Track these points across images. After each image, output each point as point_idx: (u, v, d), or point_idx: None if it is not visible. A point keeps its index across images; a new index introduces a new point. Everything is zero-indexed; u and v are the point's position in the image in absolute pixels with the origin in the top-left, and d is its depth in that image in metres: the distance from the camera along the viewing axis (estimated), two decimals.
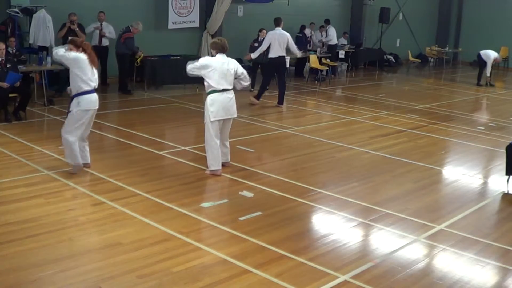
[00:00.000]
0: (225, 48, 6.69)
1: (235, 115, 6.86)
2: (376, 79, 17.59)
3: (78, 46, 6.25)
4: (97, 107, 6.49)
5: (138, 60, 12.14)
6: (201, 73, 6.60)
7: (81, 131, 6.39)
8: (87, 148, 6.64)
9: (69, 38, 6.74)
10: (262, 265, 4.49)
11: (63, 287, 4.04)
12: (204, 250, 4.70)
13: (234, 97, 6.74)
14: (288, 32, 17.38)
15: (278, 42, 11.31)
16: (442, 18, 23.46)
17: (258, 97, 11.58)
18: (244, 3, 15.79)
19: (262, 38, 12.43)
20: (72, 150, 6.33)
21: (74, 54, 6.21)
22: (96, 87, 6.41)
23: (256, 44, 12.69)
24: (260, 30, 13.42)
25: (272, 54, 11.36)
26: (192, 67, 6.67)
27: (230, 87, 6.71)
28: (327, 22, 17.10)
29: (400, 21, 21.56)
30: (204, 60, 6.66)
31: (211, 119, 6.55)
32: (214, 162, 6.66)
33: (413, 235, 5.26)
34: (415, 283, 4.37)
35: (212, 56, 6.79)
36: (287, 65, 14.92)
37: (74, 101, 6.28)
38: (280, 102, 11.54)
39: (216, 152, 6.64)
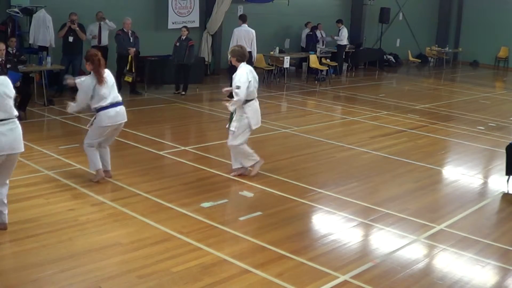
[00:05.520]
0: (247, 55, 6.67)
1: None
2: (376, 79, 17.59)
3: (87, 60, 6.04)
4: (119, 122, 6.12)
5: (129, 57, 11.63)
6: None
7: (101, 141, 6.26)
8: (108, 153, 6.42)
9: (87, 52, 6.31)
10: (262, 265, 4.49)
11: (63, 287, 4.04)
12: (204, 250, 4.70)
13: None
14: (287, 32, 17.63)
15: (244, 38, 11.64)
16: (442, 18, 23.44)
17: None
18: (244, 3, 15.79)
19: (184, 37, 12.13)
20: (91, 157, 6.20)
21: (84, 83, 5.97)
22: (113, 101, 6.03)
23: (178, 44, 12.25)
24: (181, 28, 12.53)
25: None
26: (243, 91, 6.39)
27: (256, 94, 6.76)
28: (340, 22, 17.03)
29: (400, 21, 21.55)
30: (244, 78, 6.39)
31: (253, 127, 6.62)
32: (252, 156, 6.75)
33: (413, 235, 5.26)
34: (415, 283, 4.37)
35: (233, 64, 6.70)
36: (287, 65, 14.99)
37: (96, 116, 6.08)
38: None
39: (247, 148, 6.68)
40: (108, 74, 6.09)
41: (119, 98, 6.17)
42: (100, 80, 5.93)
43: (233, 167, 6.78)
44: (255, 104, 6.64)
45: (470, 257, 4.87)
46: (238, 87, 6.40)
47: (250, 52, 11.50)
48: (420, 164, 7.68)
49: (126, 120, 6.25)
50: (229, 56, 6.69)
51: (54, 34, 11.20)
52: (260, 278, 4.30)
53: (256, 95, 6.67)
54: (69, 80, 6.41)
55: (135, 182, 6.30)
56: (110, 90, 6.05)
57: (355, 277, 4.39)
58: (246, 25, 11.89)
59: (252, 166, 6.75)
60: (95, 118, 6.10)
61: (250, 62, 11.66)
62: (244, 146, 6.65)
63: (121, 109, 6.16)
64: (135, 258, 4.51)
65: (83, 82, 5.99)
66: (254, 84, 6.57)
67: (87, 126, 6.32)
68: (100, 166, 6.23)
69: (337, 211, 5.81)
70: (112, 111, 6.04)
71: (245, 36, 11.74)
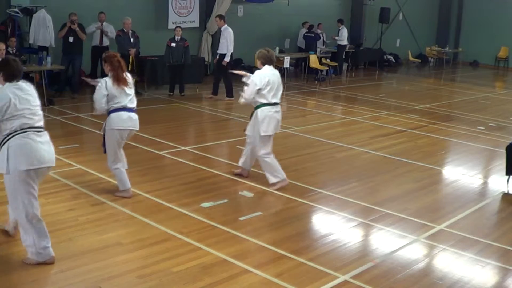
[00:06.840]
0: (274, 60, 6.38)
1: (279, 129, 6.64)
2: (376, 79, 17.59)
3: (105, 61, 5.62)
4: (130, 127, 5.74)
5: (130, 58, 11.48)
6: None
7: (119, 152, 5.78)
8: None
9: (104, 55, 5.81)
10: (262, 265, 4.49)
11: (63, 287, 4.04)
12: (204, 250, 4.70)
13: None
14: (287, 32, 17.64)
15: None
16: (442, 18, 23.44)
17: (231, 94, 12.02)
18: (244, 3, 15.79)
19: (178, 37, 12.15)
20: (119, 176, 5.82)
21: (101, 83, 5.56)
22: (128, 105, 5.67)
23: (173, 44, 12.21)
24: (175, 28, 12.50)
25: (231, 49, 11.92)
26: (251, 93, 6.17)
27: (279, 101, 6.41)
28: (341, 22, 17.03)
29: (400, 21, 21.54)
30: (258, 79, 6.15)
31: (262, 134, 6.24)
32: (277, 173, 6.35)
33: (413, 235, 5.26)
34: (415, 283, 4.37)
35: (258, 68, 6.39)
36: (287, 65, 14.99)
37: (106, 120, 5.69)
38: (231, 94, 11.96)
39: (273, 162, 6.34)
40: (129, 78, 5.70)
41: (133, 104, 5.75)
42: (118, 80, 5.51)
43: (270, 182, 6.34)
44: (270, 110, 6.22)
45: (470, 257, 4.87)
46: (246, 84, 6.26)
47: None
48: (420, 164, 7.68)
49: (137, 129, 5.92)
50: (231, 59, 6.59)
51: (54, 34, 11.19)
52: (260, 278, 4.30)
53: (274, 100, 6.25)
54: (90, 82, 6.01)
55: (135, 182, 6.29)
56: (127, 93, 5.65)
57: (355, 277, 4.40)
58: None
59: (275, 183, 6.34)
60: (106, 122, 5.69)
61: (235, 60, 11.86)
62: (268, 158, 6.30)
63: (134, 115, 5.76)
64: (135, 258, 4.51)
65: (101, 82, 5.60)
66: (273, 87, 6.22)
67: (100, 131, 5.96)
68: (129, 185, 5.85)
69: (337, 211, 5.81)
70: (124, 114, 5.63)
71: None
